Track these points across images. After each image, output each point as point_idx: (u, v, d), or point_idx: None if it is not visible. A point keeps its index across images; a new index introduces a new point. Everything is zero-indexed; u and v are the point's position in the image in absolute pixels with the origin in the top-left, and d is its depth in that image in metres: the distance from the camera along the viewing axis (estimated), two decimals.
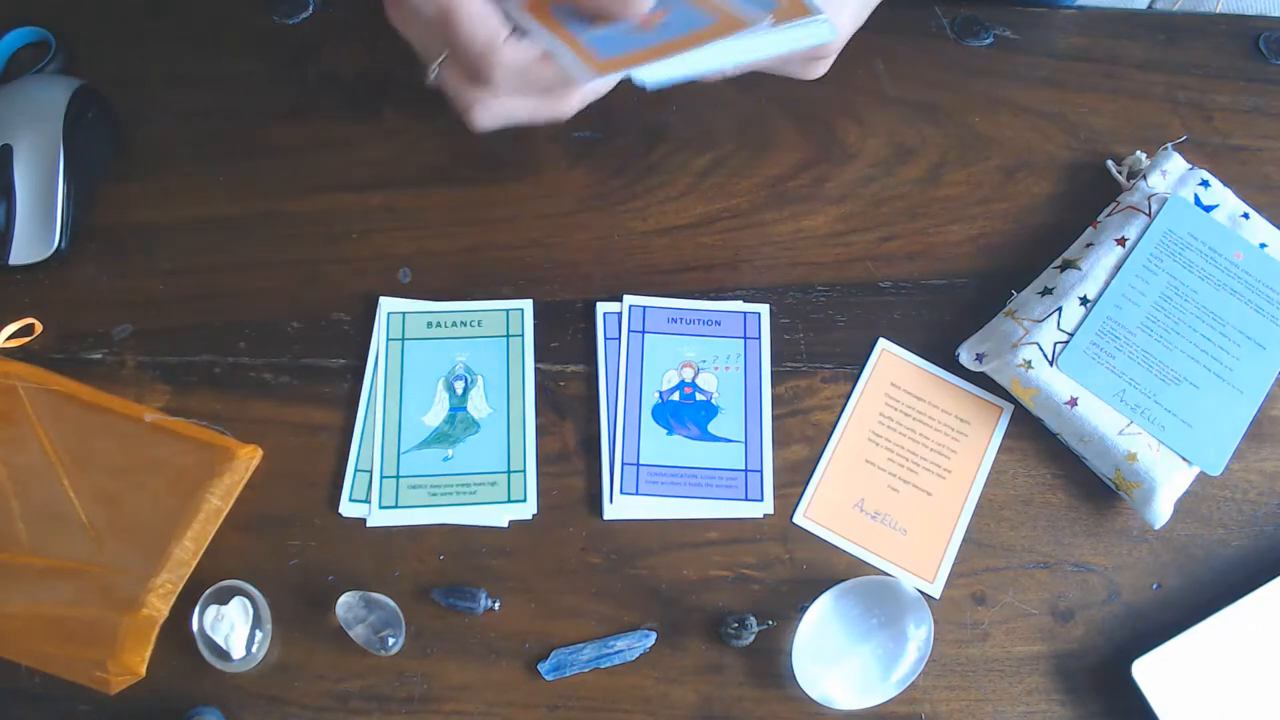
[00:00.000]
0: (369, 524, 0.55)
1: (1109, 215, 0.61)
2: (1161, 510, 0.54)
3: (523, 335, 0.59)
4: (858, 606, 0.52)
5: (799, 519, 0.56)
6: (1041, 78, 0.67)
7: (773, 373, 0.59)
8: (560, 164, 0.63)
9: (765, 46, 0.47)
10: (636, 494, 0.55)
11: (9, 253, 0.58)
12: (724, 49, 0.46)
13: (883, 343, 0.60)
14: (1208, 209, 0.60)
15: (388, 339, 0.58)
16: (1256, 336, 0.57)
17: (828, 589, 0.53)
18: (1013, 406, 0.58)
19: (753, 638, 0.52)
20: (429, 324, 0.59)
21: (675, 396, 0.58)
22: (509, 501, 0.55)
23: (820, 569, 0.55)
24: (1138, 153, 0.64)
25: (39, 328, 0.58)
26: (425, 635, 0.53)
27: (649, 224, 0.62)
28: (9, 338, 0.57)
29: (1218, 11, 0.72)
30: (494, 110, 0.48)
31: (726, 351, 0.59)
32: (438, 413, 0.57)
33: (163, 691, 0.51)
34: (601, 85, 0.50)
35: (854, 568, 0.55)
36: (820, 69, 0.54)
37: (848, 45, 0.53)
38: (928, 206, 0.63)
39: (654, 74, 0.45)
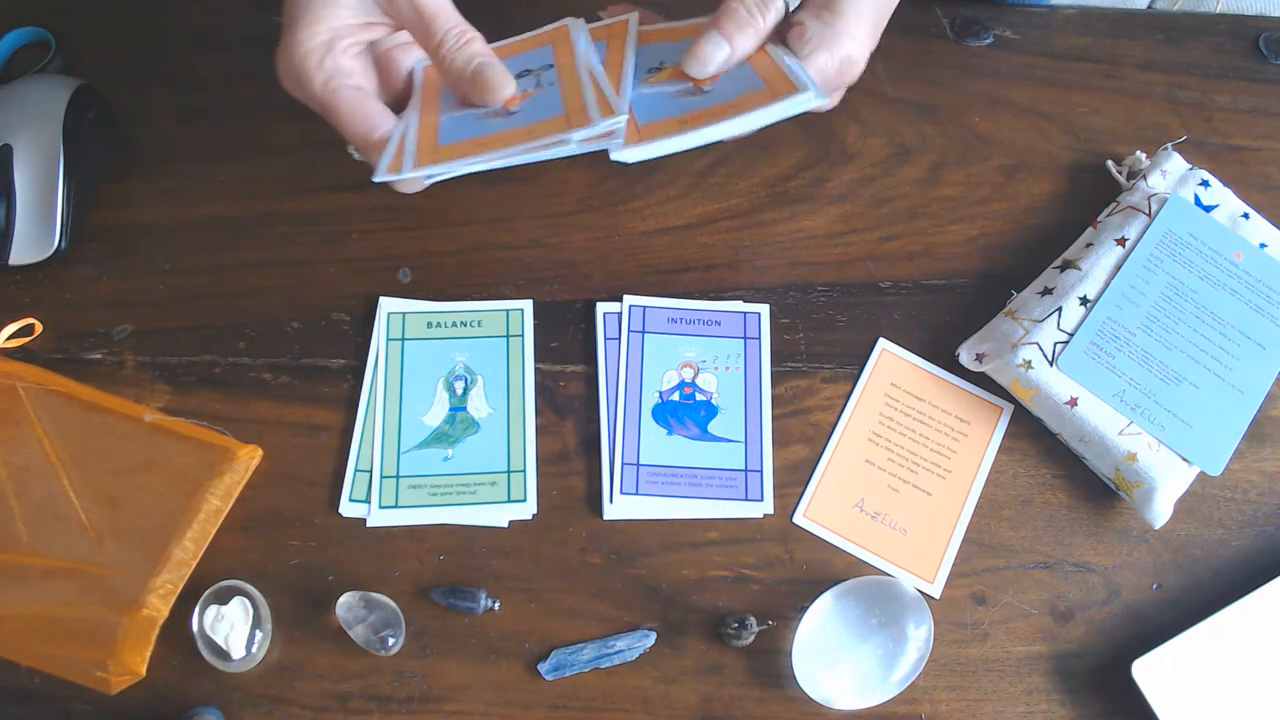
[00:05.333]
0: (369, 524, 0.55)
1: (1109, 215, 0.61)
2: (1161, 510, 0.54)
3: (523, 335, 0.59)
4: (858, 606, 0.52)
5: (799, 519, 0.56)
6: (1041, 78, 0.67)
7: (773, 373, 0.59)
8: (560, 164, 0.63)
9: (739, 125, 0.50)
10: (636, 494, 0.55)
11: (9, 253, 0.58)
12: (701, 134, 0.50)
13: (883, 343, 0.60)
14: (1208, 209, 0.60)
15: (388, 339, 0.58)
16: (1256, 336, 0.57)
17: (828, 589, 0.53)
18: (1013, 406, 0.58)
19: (753, 638, 0.52)
20: (429, 324, 0.59)
21: (675, 396, 0.58)
22: (509, 501, 0.55)
23: (820, 569, 0.55)
24: (1138, 153, 0.64)
25: (39, 328, 0.58)
26: (425, 635, 0.53)
27: (649, 224, 0.62)
28: (9, 338, 0.57)
29: (1218, 11, 0.72)
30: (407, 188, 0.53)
31: (726, 351, 0.59)
32: (438, 413, 0.57)
33: (163, 691, 0.51)
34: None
35: (854, 568, 0.55)
36: (832, 102, 0.55)
37: None
38: (928, 206, 0.63)
39: (634, 154, 0.50)
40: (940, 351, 0.59)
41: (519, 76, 0.52)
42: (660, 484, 0.56)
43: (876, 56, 0.66)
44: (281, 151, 0.63)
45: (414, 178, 0.50)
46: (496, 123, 0.51)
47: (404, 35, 0.54)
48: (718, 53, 0.51)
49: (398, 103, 0.55)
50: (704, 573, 0.55)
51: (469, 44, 0.51)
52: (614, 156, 0.50)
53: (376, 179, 0.50)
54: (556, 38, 0.56)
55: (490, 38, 0.54)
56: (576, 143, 0.49)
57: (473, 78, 0.51)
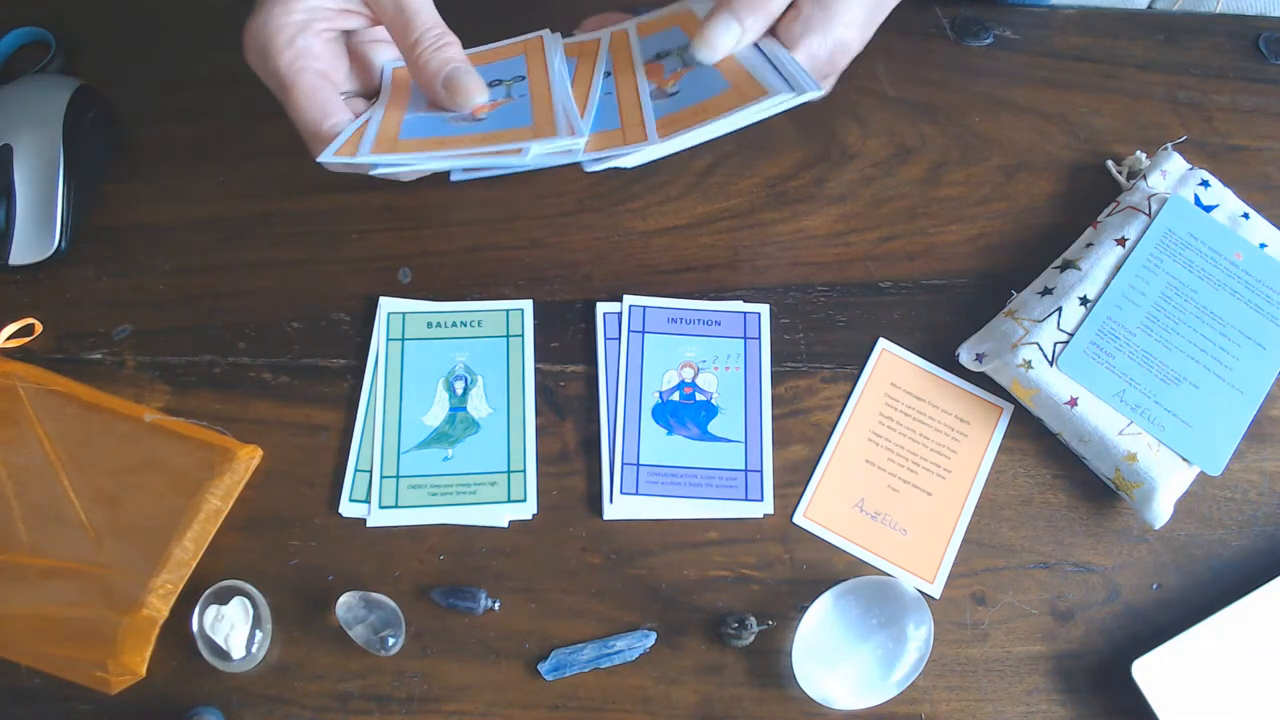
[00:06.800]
0: (369, 524, 0.55)
1: (1109, 215, 0.61)
2: (1161, 510, 0.54)
3: (523, 335, 0.59)
4: (858, 606, 0.52)
5: (799, 519, 0.56)
6: (1041, 78, 0.67)
7: (773, 373, 0.59)
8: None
9: (728, 124, 0.49)
10: (636, 494, 0.55)
11: (9, 253, 0.58)
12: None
13: (883, 343, 0.60)
14: (1208, 209, 0.60)
15: (388, 339, 0.58)
16: (1256, 336, 0.57)
17: (828, 589, 0.53)
18: (1013, 406, 0.58)
19: (753, 638, 0.52)
20: (429, 324, 0.59)
21: (675, 396, 0.58)
22: (509, 501, 0.55)
23: (820, 569, 0.55)
24: (1138, 153, 0.64)
25: (39, 328, 0.58)
26: (425, 635, 0.53)
27: (649, 224, 0.62)
28: (9, 338, 0.57)
29: (1218, 11, 0.72)
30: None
31: (726, 351, 0.59)
32: (438, 413, 0.57)
33: (163, 691, 0.51)
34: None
35: (854, 568, 0.55)
36: (824, 89, 0.55)
37: None
38: (928, 206, 0.63)
39: (636, 158, 0.49)
40: (940, 351, 0.59)
41: (490, 85, 0.52)
42: (660, 484, 0.56)
43: (876, 57, 0.67)
44: (282, 151, 0.63)
45: (362, 164, 0.49)
46: (461, 126, 0.51)
47: (380, 31, 0.54)
48: (728, 34, 0.49)
49: (366, 99, 0.54)
50: (704, 573, 0.55)
51: (445, 47, 0.51)
52: (588, 167, 0.49)
53: (320, 160, 0.49)
54: (531, 49, 0.56)
55: (476, 39, 0.55)
56: (533, 155, 0.49)
57: (446, 82, 0.50)
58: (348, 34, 0.53)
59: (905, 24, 0.68)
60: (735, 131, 0.51)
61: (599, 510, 0.55)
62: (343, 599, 0.52)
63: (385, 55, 0.55)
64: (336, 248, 0.61)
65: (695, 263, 0.61)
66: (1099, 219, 0.62)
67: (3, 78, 0.65)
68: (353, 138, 0.50)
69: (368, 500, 0.55)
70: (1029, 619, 0.54)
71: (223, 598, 0.51)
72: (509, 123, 0.51)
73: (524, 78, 0.54)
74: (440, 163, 0.50)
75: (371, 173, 0.50)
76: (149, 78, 0.65)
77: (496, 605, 0.53)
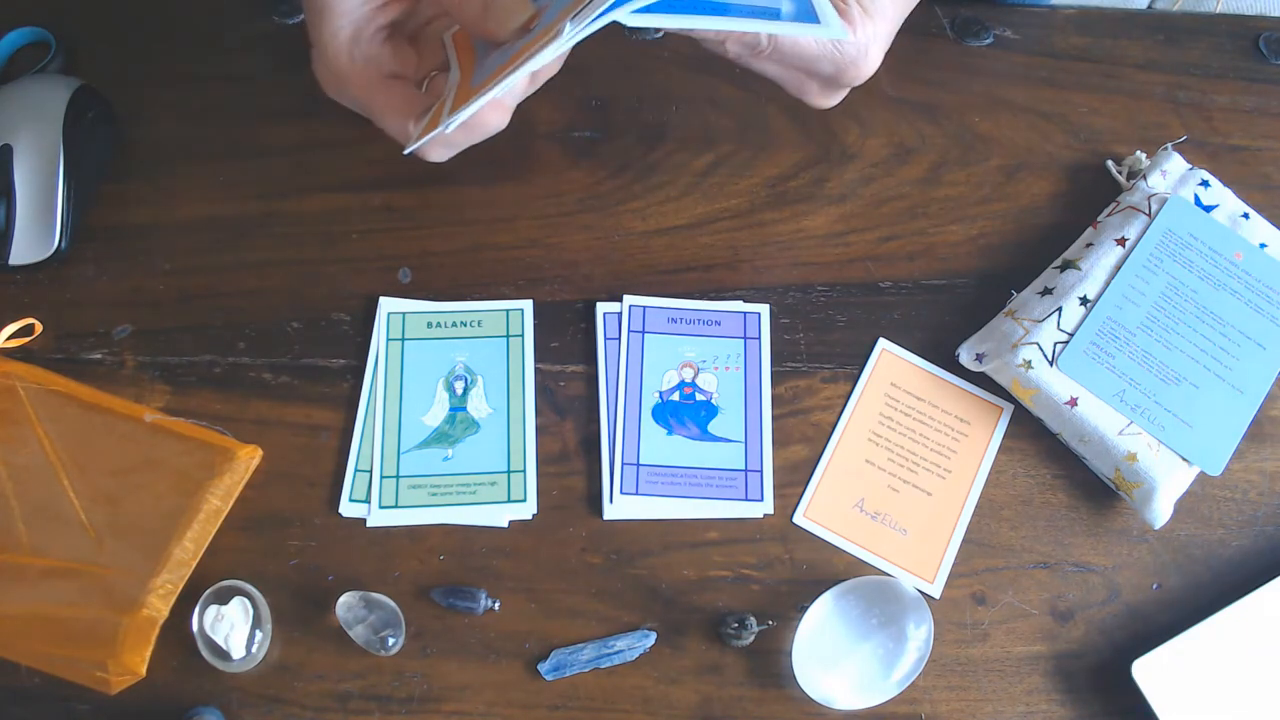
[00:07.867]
0: (369, 524, 0.55)
1: (1109, 215, 0.61)
2: (1161, 510, 0.54)
3: (523, 335, 0.59)
4: (858, 606, 0.52)
5: (799, 519, 0.56)
6: (1041, 78, 0.67)
7: (773, 373, 0.59)
8: (560, 164, 0.63)
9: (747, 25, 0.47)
10: (636, 494, 0.55)
11: (9, 253, 0.58)
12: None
13: (883, 343, 0.60)
14: (1208, 209, 0.60)
15: (388, 339, 0.58)
16: (1256, 336, 0.57)
17: (828, 589, 0.53)
18: (1013, 406, 0.58)
19: (753, 638, 0.52)
20: (429, 324, 0.59)
21: (675, 396, 0.58)
22: (509, 501, 0.55)
23: (820, 569, 0.55)
24: (1138, 153, 0.64)
25: (39, 328, 0.58)
26: (425, 635, 0.53)
27: (649, 224, 0.62)
28: (9, 338, 0.57)
29: (1218, 11, 0.72)
30: (434, 154, 0.53)
31: (726, 351, 0.59)
32: (438, 413, 0.57)
33: (163, 691, 0.51)
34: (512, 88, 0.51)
35: (854, 568, 0.55)
36: (835, 99, 0.56)
37: None
38: (928, 206, 0.63)
39: (638, 18, 0.45)
40: (940, 351, 0.59)
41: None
42: (660, 484, 0.56)
43: None
44: (282, 151, 0.63)
45: (445, 129, 0.49)
46: (517, 44, 0.50)
47: (425, 10, 0.53)
48: None
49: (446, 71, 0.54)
50: (704, 573, 0.55)
51: None
52: (625, 19, 0.46)
53: (408, 151, 0.50)
54: None
55: None
56: (569, 33, 0.46)
57: (484, 10, 0.49)
58: (401, 24, 0.53)
59: (905, 24, 0.68)
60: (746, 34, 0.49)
61: (599, 510, 0.55)
62: (343, 599, 0.52)
63: (441, 27, 0.55)
64: (336, 248, 0.61)
65: (695, 263, 0.61)
66: (1099, 219, 0.62)
67: (3, 78, 0.64)
68: (434, 118, 0.50)
69: (368, 500, 0.55)
70: (1029, 619, 0.54)
71: (223, 598, 0.51)
72: (551, 17, 0.49)
73: None
74: (501, 87, 0.48)
75: (448, 130, 0.49)
76: (149, 78, 0.65)
77: (496, 605, 0.53)
